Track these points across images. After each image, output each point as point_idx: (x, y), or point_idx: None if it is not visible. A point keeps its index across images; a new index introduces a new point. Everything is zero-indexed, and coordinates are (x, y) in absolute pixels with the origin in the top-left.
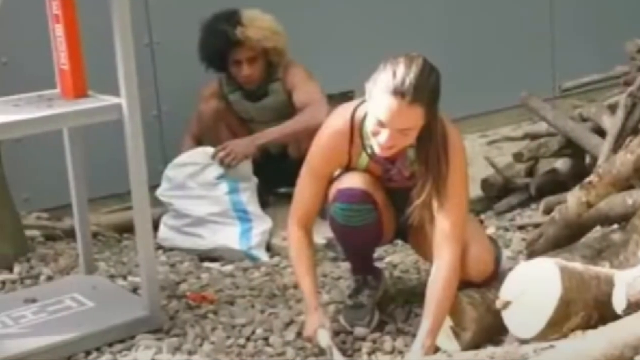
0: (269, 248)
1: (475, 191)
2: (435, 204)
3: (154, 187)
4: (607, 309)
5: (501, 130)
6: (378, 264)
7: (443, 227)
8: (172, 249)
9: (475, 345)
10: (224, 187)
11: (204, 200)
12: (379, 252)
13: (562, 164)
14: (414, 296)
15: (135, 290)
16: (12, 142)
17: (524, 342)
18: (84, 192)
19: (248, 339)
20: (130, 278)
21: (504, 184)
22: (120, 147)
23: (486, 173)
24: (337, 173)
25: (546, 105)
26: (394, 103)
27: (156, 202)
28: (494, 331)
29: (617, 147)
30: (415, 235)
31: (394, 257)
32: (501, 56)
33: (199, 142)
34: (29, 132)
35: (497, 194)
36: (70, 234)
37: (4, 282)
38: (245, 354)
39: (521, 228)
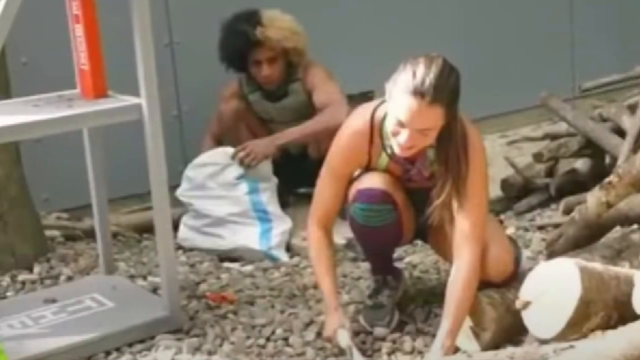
0: (288, 248)
1: (495, 191)
2: (454, 204)
3: (173, 187)
4: (626, 309)
5: (521, 130)
6: (397, 264)
7: (462, 227)
8: (191, 249)
9: (495, 345)
10: (244, 187)
11: (224, 200)
12: (398, 252)
13: (581, 164)
14: (433, 296)
15: (154, 290)
16: (32, 142)
17: (544, 342)
18: (104, 192)
19: (268, 339)
20: (149, 278)
21: (523, 184)
22: (140, 147)
23: (506, 173)
24: (356, 173)
25: (566, 105)
26: (414, 103)
27: (176, 202)
28: (513, 331)
29: (636, 147)
30: (434, 235)
31: (413, 257)
32: (521, 56)
33: (219, 142)
34: (48, 132)
35: (517, 194)
36: (89, 234)
37: (23, 282)
38: (265, 354)
39: (541, 228)
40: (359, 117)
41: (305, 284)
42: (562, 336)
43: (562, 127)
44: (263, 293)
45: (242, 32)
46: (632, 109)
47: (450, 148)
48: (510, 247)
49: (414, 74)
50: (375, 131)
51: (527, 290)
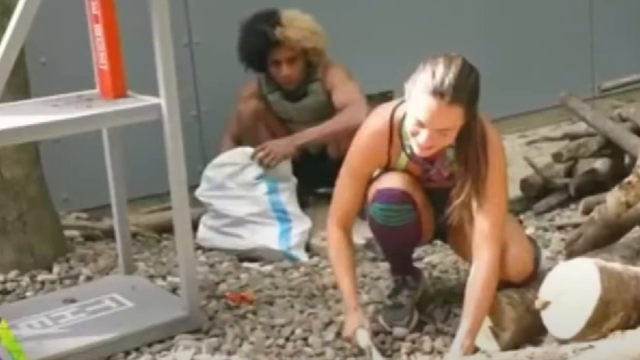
0: (308, 248)
1: (514, 191)
2: (474, 204)
3: (193, 187)
4: None
5: (540, 130)
6: (417, 264)
7: (482, 227)
8: (211, 249)
9: (514, 345)
10: (263, 187)
11: (243, 200)
12: (418, 252)
13: (601, 164)
14: (452, 296)
15: (174, 290)
16: (51, 142)
17: (563, 342)
18: (123, 192)
19: (287, 339)
20: (169, 278)
21: (543, 184)
22: (159, 147)
23: (525, 173)
24: (376, 173)
25: (585, 105)
26: (433, 103)
27: (195, 202)
28: (532, 331)
29: None
30: (454, 235)
31: (432, 257)
32: (540, 56)
33: (238, 142)
34: (67, 132)
35: (536, 194)
36: (109, 234)
37: (43, 282)
38: (284, 354)
39: (560, 228)
40: (379, 117)
41: (324, 284)
42: (582, 336)
43: (581, 127)
44: (282, 293)
45: (262, 32)
46: None
47: (469, 148)
48: (530, 247)
49: (434, 74)
50: (394, 131)
51: (547, 290)
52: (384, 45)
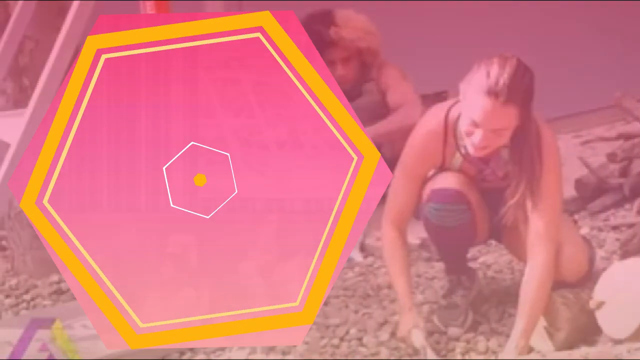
0: (362, 248)
1: (569, 191)
2: (528, 204)
3: None
4: None
5: (595, 130)
6: (472, 264)
7: (537, 227)
8: None
9: (569, 345)
10: None
11: None
12: (472, 252)
13: None
14: (507, 296)
15: None
16: None
17: (618, 342)
18: None
19: (341, 339)
20: None
21: (597, 183)
22: None
23: (580, 173)
24: (430, 173)
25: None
26: (488, 103)
27: None
28: (587, 331)
29: None
30: (508, 235)
31: (487, 257)
32: (595, 55)
33: None
34: None
35: (591, 193)
36: None
37: None
38: (339, 354)
39: (615, 228)
40: (433, 117)
41: (379, 284)
42: (636, 336)
43: (636, 127)
44: (337, 293)
45: (316, 32)
46: None
47: (524, 148)
48: (585, 247)
49: (488, 74)
50: (449, 131)
51: (601, 290)
52: (439, 45)
